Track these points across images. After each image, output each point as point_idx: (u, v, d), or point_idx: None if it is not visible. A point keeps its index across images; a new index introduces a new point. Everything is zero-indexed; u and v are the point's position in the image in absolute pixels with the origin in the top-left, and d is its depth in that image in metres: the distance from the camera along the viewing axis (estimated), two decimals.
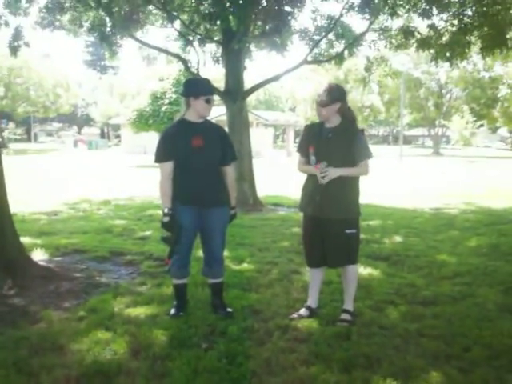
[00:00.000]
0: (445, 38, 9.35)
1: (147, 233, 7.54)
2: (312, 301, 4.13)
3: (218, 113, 25.45)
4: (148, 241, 6.95)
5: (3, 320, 3.95)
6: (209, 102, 3.92)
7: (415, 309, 4.21)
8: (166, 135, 3.99)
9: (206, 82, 4.11)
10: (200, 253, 4.40)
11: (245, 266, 5.62)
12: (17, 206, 8.84)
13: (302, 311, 4.06)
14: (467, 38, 8.99)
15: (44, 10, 10.43)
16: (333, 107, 3.85)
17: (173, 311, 4.05)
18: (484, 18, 8.48)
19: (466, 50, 9.23)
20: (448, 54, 9.36)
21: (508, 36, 8.71)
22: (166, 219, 3.86)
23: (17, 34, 10.37)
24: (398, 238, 7.30)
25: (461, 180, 18.87)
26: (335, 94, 3.87)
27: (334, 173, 3.77)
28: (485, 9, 8.44)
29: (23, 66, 49.14)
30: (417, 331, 3.73)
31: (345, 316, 3.95)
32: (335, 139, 3.88)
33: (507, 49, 8.65)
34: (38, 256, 5.75)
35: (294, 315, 4.00)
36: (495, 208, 10.87)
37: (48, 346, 3.44)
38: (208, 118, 4.09)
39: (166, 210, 3.87)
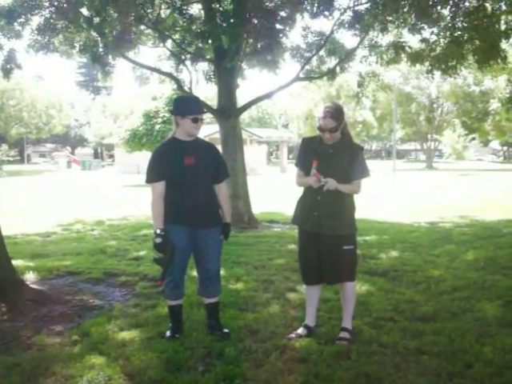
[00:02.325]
0: (438, 50, 9.39)
1: (141, 253, 7.46)
2: (310, 319, 4.06)
3: (211, 131, 25.47)
4: (142, 261, 6.86)
5: None
6: (196, 121, 3.87)
7: (415, 325, 4.14)
8: (157, 155, 3.94)
9: (195, 100, 4.07)
10: (194, 272, 4.33)
11: (241, 284, 5.54)
12: (10, 228, 8.77)
13: (300, 330, 3.99)
14: (460, 49, 9.03)
15: (36, 32, 10.44)
16: (340, 128, 3.84)
17: (168, 333, 3.96)
18: (475, 32, 8.54)
19: (459, 63, 9.25)
20: (443, 66, 9.39)
21: (501, 47, 8.76)
22: (159, 240, 3.79)
23: (10, 57, 10.38)
24: (394, 253, 7.26)
25: (455, 193, 18.90)
26: (340, 116, 3.84)
27: (333, 183, 3.73)
28: (475, 22, 8.50)
29: (16, 87, 49.35)
30: (417, 348, 3.67)
31: (343, 334, 3.88)
32: (337, 155, 3.87)
33: (502, 59, 8.69)
34: (31, 279, 5.67)
35: (292, 335, 3.92)
36: (490, 221, 10.87)
37: (41, 372, 3.36)
38: (201, 136, 4.05)
39: (158, 231, 3.80)
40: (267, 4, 9.80)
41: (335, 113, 3.81)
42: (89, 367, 3.39)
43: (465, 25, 8.83)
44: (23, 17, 10.05)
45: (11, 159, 51.40)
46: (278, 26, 9.87)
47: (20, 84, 49.51)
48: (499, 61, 8.66)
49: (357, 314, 4.26)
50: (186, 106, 3.95)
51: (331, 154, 3.88)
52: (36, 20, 10.41)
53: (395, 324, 4.19)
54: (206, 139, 4.22)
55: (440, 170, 45.93)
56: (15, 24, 10.09)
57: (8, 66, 10.42)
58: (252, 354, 3.62)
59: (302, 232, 4.04)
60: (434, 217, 11.58)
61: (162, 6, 10.61)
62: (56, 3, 10.07)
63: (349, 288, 3.97)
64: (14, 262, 5.40)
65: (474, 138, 56.72)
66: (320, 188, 3.78)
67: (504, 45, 9.52)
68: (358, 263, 4.08)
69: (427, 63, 9.75)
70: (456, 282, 5.49)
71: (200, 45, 11.03)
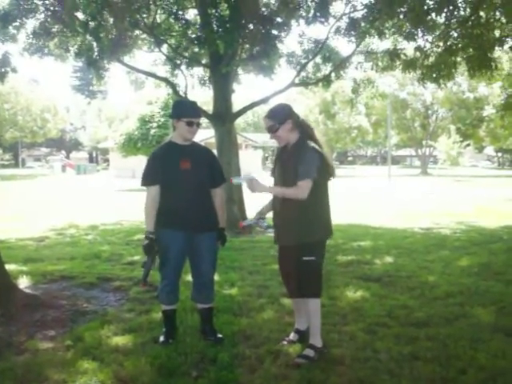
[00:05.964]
0: (431, 59, 9.43)
1: (136, 258, 7.43)
2: (300, 323, 3.99)
3: (206, 135, 25.48)
4: (136, 266, 6.82)
5: None
6: (191, 124, 3.86)
7: (409, 331, 4.14)
8: (154, 158, 3.95)
9: (191, 104, 4.07)
10: (188, 277, 4.32)
11: (235, 289, 5.54)
12: (3, 232, 8.75)
13: (292, 336, 3.94)
14: (453, 58, 9.07)
15: (31, 35, 10.44)
16: (285, 127, 3.68)
17: (162, 338, 3.95)
18: (469, 40, 8.59)
19: (453, 71, 9.30)
20: (434, 75, 9.43)
21: (493, 56, 8.81)
22: (145, 242, 3.83)
23: (4, 60, 10.37)
24: (389, 259, 7.27)
25: (449, 199, 18.96)
26: (278, 116, 3.70)
27: (255, 186, 3.59)
28: (469, 30, 8.55)
29: (11, 91, 49.24)
30: (411, 354, 3.66)
31: (307, 352, 3.62)
32: (288, 159, 3.69)
33: (492, 70, 8.76)
34: (24, 283, 5.64)
35: (284, 342, 3.88)
36: (485, 227, 10.91)
37: (33, 377, 3.34)
38: (197, 140, 4.05)
39: (147, 234, 3.84)
40: (263, 10, 9.84)
41: (271, 112, 3.74)
42: (82, 372, 3.38)
43: (459, 32, 8.88)
44: (18, 20, 10.07)
45: (5, 163, 51.33)
46: (273, 32, 9.90)
47: (15, 88, 49.42)
48: (491, 69, 8.71)
49: (351, 320, 4.27)
50: (181, 109, 3.97)
51: (284, 159, 3.74)
52: (31, 24, 10.47)
53: (389, 329, 4.18)
54: (202, 144, 4.22)
55: (435, 176, 46.06)
56: (10, 27, 10.11)
57: (3, 70, 10.41)
58: (246, 359, 3.60)
59: (276, 246, 3.99)
60: (429, 223, 11.60)
61: (158, 11, 10.63)
62: (51, 7, 10.08)
63: (311, 305, 3.69)
64: (8, 267, 5.36)
65: (468, 145, 56.94)
66: (276, 199, 3.75)
67: (498, 52, 9.59)
68: (321, 277, 3.73)
69: (419, 71, 9.77)
70: (450, 288, 5.50)
71: (196, 50, 11.06)
